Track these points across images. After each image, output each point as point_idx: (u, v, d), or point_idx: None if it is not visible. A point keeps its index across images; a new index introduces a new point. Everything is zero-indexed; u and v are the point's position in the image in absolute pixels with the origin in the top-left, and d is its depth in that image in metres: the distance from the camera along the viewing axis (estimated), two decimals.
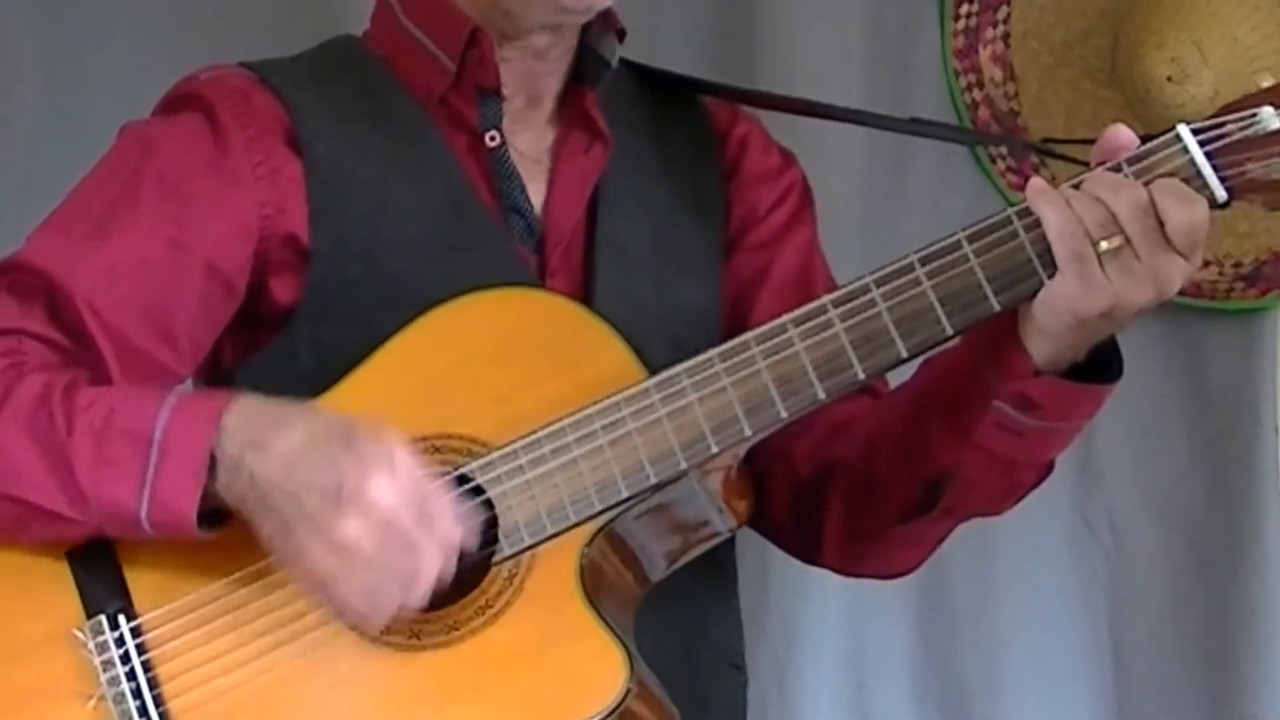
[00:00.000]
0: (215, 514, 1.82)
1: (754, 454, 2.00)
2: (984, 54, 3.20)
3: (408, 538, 1.76)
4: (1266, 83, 1.92)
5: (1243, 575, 3.11)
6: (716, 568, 2.11)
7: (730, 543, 2.10)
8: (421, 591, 1.77)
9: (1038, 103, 3.18)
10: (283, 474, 1.78)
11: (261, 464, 1.79)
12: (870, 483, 2.02)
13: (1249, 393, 3.15)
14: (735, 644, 2.16)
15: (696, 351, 1.89)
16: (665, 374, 1.86)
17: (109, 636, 1.85)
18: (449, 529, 1.79)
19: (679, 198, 2.17)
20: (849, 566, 2.15)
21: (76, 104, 3.18)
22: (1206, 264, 3.18)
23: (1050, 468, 1.98)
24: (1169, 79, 2.95)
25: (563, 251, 2.08)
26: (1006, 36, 3.19)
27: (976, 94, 3.20)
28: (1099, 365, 1.85)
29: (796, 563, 2.56)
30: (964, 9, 3.20)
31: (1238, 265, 3.16)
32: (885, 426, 2.01)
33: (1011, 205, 3.03)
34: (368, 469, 1.75)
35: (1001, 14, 3.18)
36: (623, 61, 2.14)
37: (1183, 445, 3.18)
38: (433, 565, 1.77)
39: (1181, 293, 2.85)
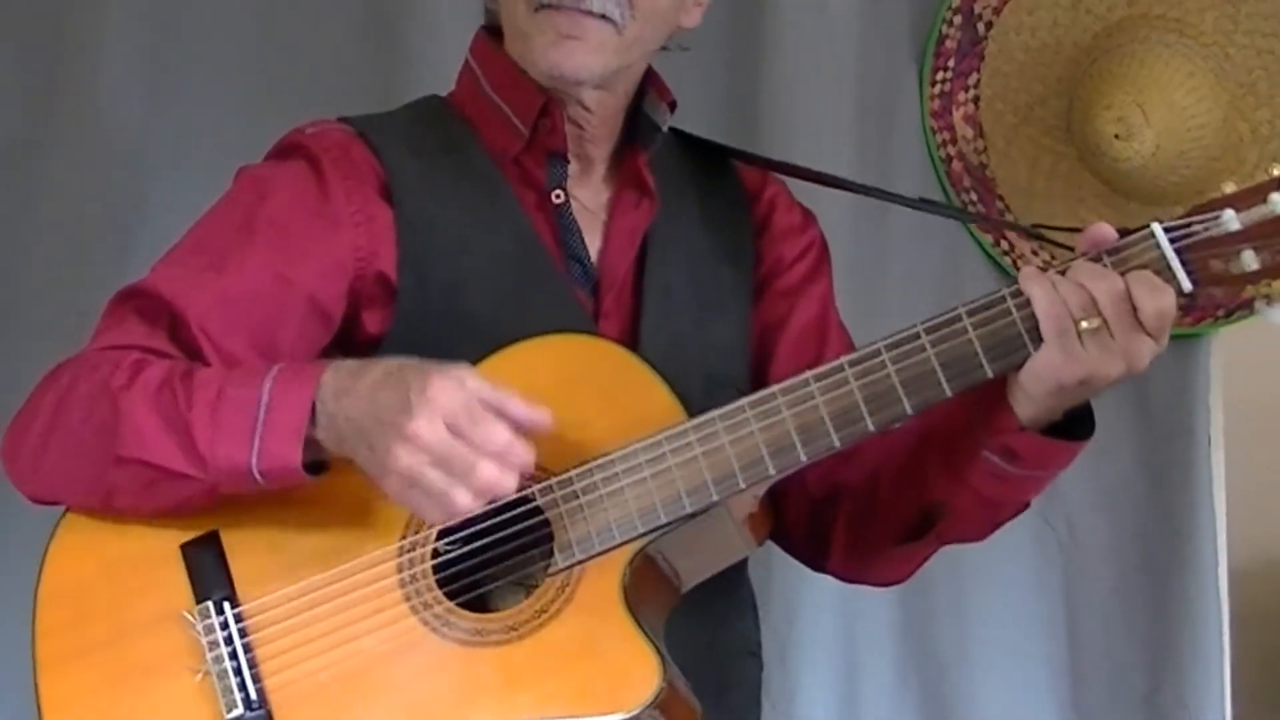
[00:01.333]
0: (318, 465, 1.93)
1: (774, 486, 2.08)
2: (957, 114, 3.35)
3: (466, 427, 1.82)
4: (1230, 188, 1.87)
5: (1181, 565, 3.26)
6: (735, 571, 2.19)
7: None
8: (484, 479, 1.84)
9: (1004, 157, 3.31)
10: (366, 403, 1.87)
11: (350, 403, 1.88)
12: (872, 507, 2.14)
13: (1186, 408, 3.29)
14: (752, 634, 2.27)
15: (729, 394, 1.98)
16: (702, 418, 1.95)
17: (214, 620, 1.96)
18: (505, 430, 1.85)
19: (716, 248, 2.26)
20: (850, 576, 2.26)
21: (179, 140, 3.23)
22: None
23: (1026, 507, 2.09)
24: (1116, 136, 3.09)
25: (615, 295, 2.17)
26: (976, 99, 3.35)
27: (951, 149, 3.35)
28: (1074, 424, 1.96)
29: None
30: (939, 76, 3.35)
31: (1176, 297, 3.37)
32: (888, 460, 2.11)
33: (980, 245, 3.24)
34: (430, 379, 1.83)
35: (972, 80, 3.34)
36: (671, 130, 2.26)
37: (1129, 453, 3.31)
38: (489, 459, 1.84)
39: None
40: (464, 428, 1.82)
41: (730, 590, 2.20)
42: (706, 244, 2.26)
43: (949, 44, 3.35)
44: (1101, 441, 3.12)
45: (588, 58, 2.09)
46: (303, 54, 3.28)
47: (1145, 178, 3.19)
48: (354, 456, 1.88)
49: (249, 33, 3.30)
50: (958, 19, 3.33)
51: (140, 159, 3.23)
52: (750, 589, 2.27)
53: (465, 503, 1.82)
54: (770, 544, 2.58)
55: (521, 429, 1.85)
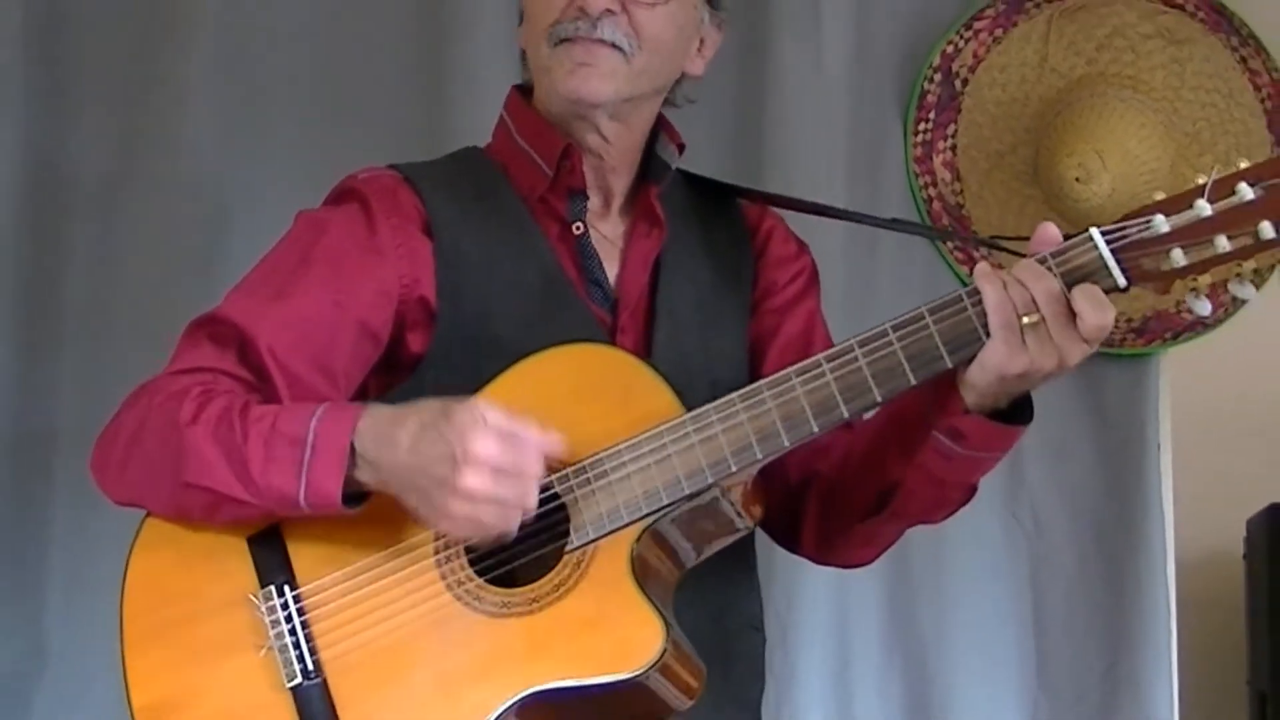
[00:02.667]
0: (358, 495, 1.96)
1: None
2: (937, 160, 3.48)
3: (511, 471, 1.87)
4: (1159, 195, 1.92)
5: (1133, 556, 3.37)
6: (741, 552, 2.23)
7: (751, 533, 2.22)
8: (531, 505, 1.90)
9: (978, 198, 3.43)
10: (410, 458, 1.90)
11: (392, 455, 1.92)
12: (838, 490, 2.17)
13: (1138, 417, 3.43)
14: (756, 611, 2.29)
15: (726, 392, 2.01)
16: (698, 411, 1.99)
17: (276, 602, 2.00)
18: (535, 460, 1.89)
19: (719, 272, 2.30)
20: (820, 556, 2.29)
21: (251, 175, 3.35)
22: None
23: (973, 490, 2.12)
24: (1077, 179, 3.21)
25: (630, 313, 2.22)
26: (954, 147, 3.48)
27: (931, 191, 3.48)
28: (1016, 411, 1.99)
29: None
30: (921, 126, 3.47)
31: (1129, 321, 3.40)
32: (855, 448, 2.15)
33: (955, 272, 3.39)
34: (466, 433, 1.86)
35: (950, 130, 3.45)
36: (680, 171, 2.31)
37: (1089, 456, 3.44)
38: (531, 489, 1.89)
39: None
40: (509, 469, 1.88)
41: (736, 569, 2.23)
42: (710, 269, 2.30)
43: (930, 98, 3.47)
44: (1063, 447, 3.40)
45: (601, 83, 2.14)
46: (362, 105, 3.39)
47: (1103, 216, 3.01)
48: (403, 500, 1.93)
49: (314, 84, 3.40)
50: (938, 76, 3.46)
51: (217, 191, 3.32)
52: (754, 568, 2.30)
53: (515, 528, 1.91)
54: (767, 542, 2.63)
55: (539, 452, 1.91)
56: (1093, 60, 3.44)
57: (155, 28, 3.37)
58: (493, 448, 1.85)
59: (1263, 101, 3.33)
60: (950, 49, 3.47)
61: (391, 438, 1.92)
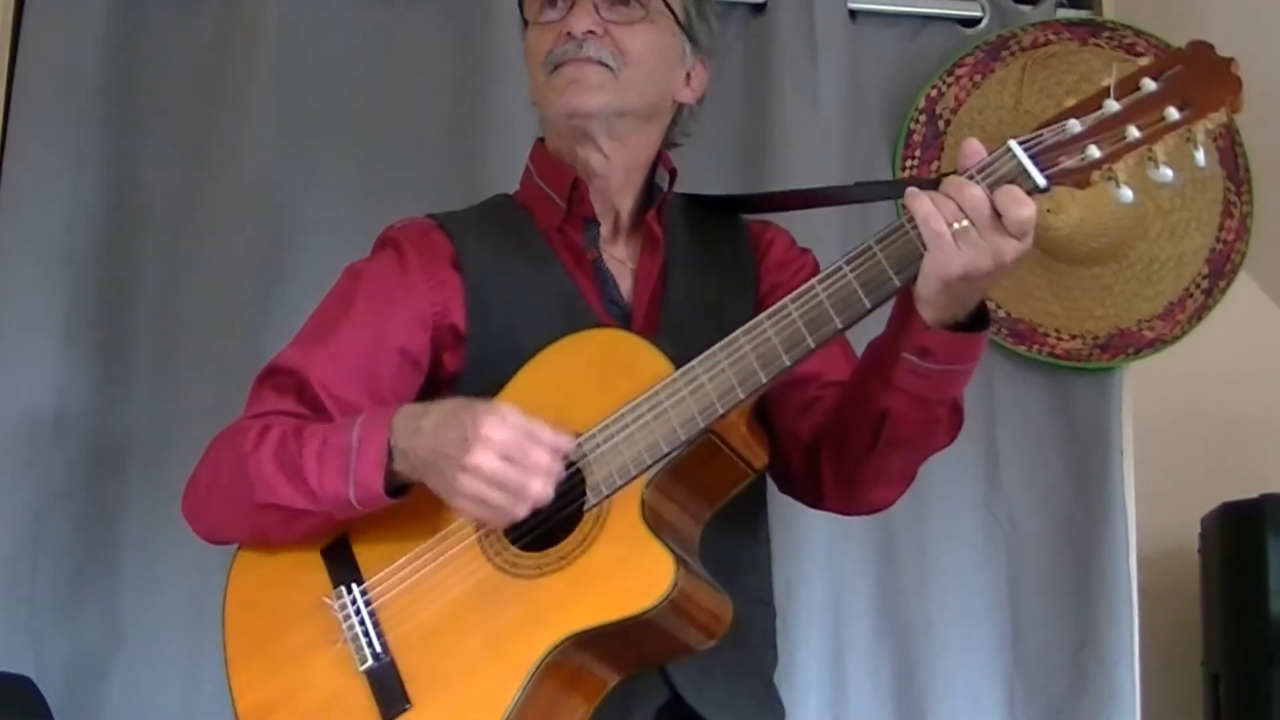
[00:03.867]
0: (400, 488, 2.01)
1: (776, 437, 2.17)
2: None
3: (516, 456, 1.92)
4: (1069, 103, 1.92)
5: (1099, 551, 3.44)
6: (751, 532, 2.27)
7: (763, 515, 2.28)
8: (536, 493, 1.92)
9: None
10: (431, 442, 1.96)
11: (418, 442, 1.98)
12: (843, 439, 2.15)
13: (1103, 426, 3.51)
14: (765, 586, 2.31)
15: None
16: (685, 367, 2.01)
17: (346, 599, 2.07)
18: (546, 454, 1.93)
19: (723, 281, 2.31)
20: (844, 506, 2.25)
21: (307, 200, 3.37)
22: (1074, 337, 3.50)
23: (958, 408, 2.10)
24: (1048, 210, 3.30)
25: (642, 322, 2.24)
26: (937, 182, 3.27)
27: None
28: (975, 322, 1.97)
29: (796, 533, 3.22)
30: (908, 162, 3.54)
31: (1095, 338, 3.51)
32: (846, 395, 2.14)
33: None
34: (480, 418, 1.92)
35: (934, 167, 3.52)
36: (685, 194, 2.34)
37: (1059, 461, 3.52)
38: (537, 478, 1.92)
39: (1058, 357, 3.46)
40: (516, 457, 1.92)
41: (746, 546, 2.25)
42: (715, 278, 2.31)
43: (916, 138, 3.54)
44: (1036, 453, 3.50)
45: (592, 95, 2.18)
46: (405, 149, 3.43)
47: (1072, 244, 3.42)
48: (426, 481, 1.98)
49: (363, 125, 3.45)
50: (923, 118, 3.54)
51: (275, 213, 3.36)
52: (768, 549, 2.31)
53: (522, 513, 1.95)
54: (773, 529, 2.57)
55: (552, 449, 1.95)
56: (1062, 103, 3.02)
57: (221, 71, 3.42)
58: (504, 433, 1.91)
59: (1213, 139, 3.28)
60: (934, 93, 3.54)
61: (418, 427, 1.98)
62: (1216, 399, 3.86)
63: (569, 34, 2.19)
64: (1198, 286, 3.59)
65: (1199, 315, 3.59)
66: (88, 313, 3.34)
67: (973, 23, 3.67)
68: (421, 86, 3.49)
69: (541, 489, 1.92)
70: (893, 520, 3.25)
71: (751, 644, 2.18)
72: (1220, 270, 3.59)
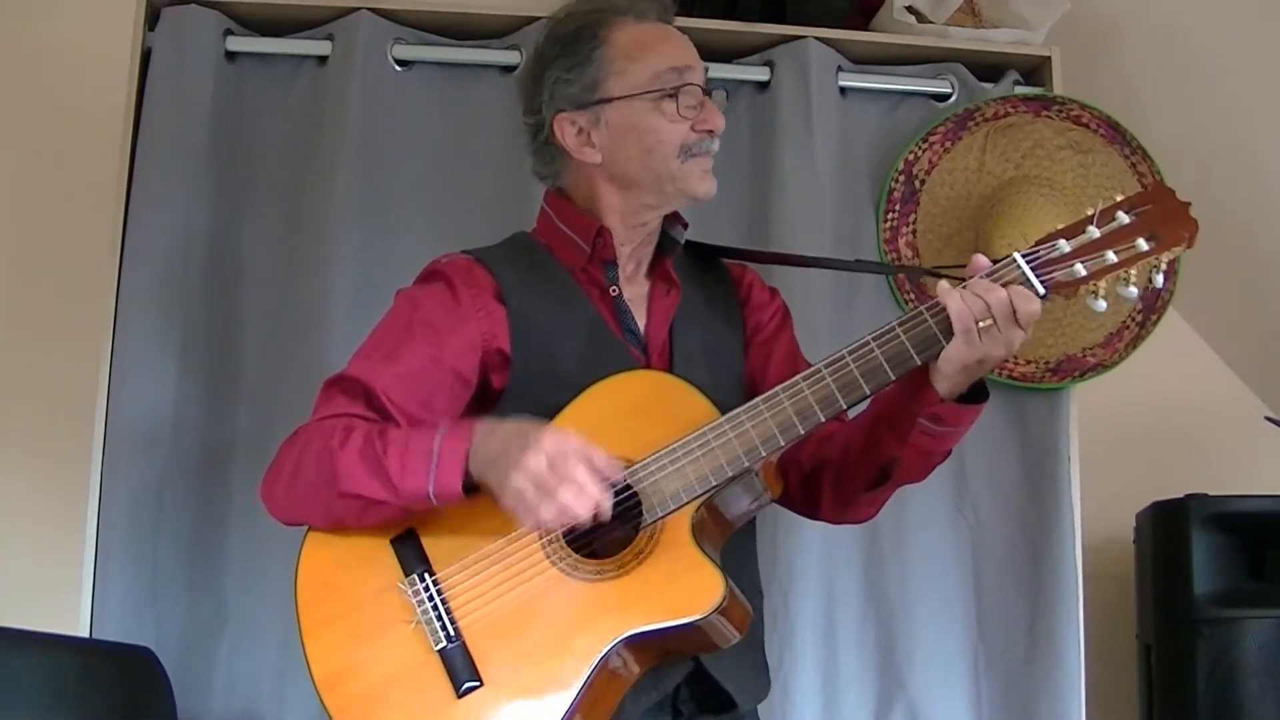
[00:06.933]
0: (471, 489, 2.07)
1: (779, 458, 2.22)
2: (901, 242, 3.63)
3: (558, 465, 1.96)
4: (1060, 224, 1.98)
5: (1049, 541, 3.57)
6: (750, 532, 2.36)
7: (753, 521, 2.34)
8: (564, 501, 1.94)
9: None
10: (501, 446, 2.03)
11: (492, 442, 2.05)
12: (846, 470, 2.25)
13: (1054, 436, 3.63)
14: (758, 578, 2.42)
15: (747, 400, 2.11)
16: (731, 414, 2.10)
17: (419, 586, 2.12)
18: (585, 471, 1.97)
19: (717, 320, 2.41)
20: (836, 519, 2.36)
21: (378, 262, 3.47)
22: (1029, 362, 3.58)
23: (949, 454, 2.19)
24: None
25: (657, 355, 2.33)
26: (914, 231, 3.63)
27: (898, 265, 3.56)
28: (975, 393, 2.10)
29: (797, 532, 3.40)
30: (889, 215, 3.64)
31: (1047, 362, 3.61)
32: (854, 437, 2.22)
33: (901, 308, 3.50)
34: (545, 432, 1.98)
35: (911, 219, 3.63)
36: (685, 241, 2.44)
37: (1016, 466, 3.65)
38: (569, 488, 1.95)
39: (1015, 379, 3.57)
40: (555, 463, 1.97)
41: (744, 547, 2.33)
42: (710, 317, 2.41)
43: (896, 194, 3.64)
44: (997, 459, 3.61)
45: (715, 182, 2.30)
46: (466, 218, 3.52)
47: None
48: (488, 479, 2.03)
49: (429, 195, 3.57)
50: (902, 177, 3.64)
51: (356, 269, 3.45)
52: (755, 543, 2.41)
53: (547, 517, 1.97)
54: (775, 527, 3.28)
55: (592, 467, 1.99)
56: (1019, 165, 3.60)
57: (311, 147, 3.54)
58: (558, 445, 1.97)
59: None
60: (911, 157, 3.65)
61: (493, 430, 2.06)
62: (1149, 415, 4.06)
63: (711, 132, 2.27)
64: (1134, 320, 3.66)
65: (1134, 344, 3.66)
66: (198, 340, 3.47)
67: (943, 98, 3.76)
68: (483, 151, 3.57)
69: (569, 499, 1.95)
70: (877, 518, 2.81)
71: (750, 624, 2.26)
72: (1152, 306, 3.64)
